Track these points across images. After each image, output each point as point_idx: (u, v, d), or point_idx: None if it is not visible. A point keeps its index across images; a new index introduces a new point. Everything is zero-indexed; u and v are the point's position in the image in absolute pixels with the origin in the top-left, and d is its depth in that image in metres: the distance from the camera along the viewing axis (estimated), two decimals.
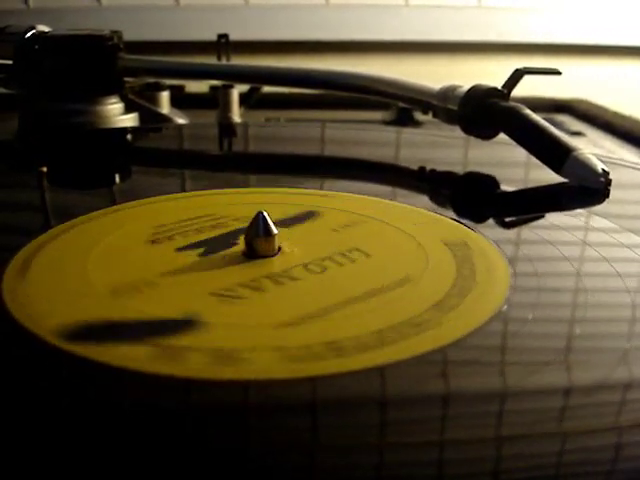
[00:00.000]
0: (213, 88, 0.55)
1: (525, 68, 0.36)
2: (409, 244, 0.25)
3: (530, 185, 0.36)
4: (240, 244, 0.24)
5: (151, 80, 0.50)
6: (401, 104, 0.45)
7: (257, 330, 0.19)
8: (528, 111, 0.35)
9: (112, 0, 0.77)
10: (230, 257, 0.23)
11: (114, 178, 0.36)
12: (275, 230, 0.23)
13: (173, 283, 0.22)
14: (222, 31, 0.53)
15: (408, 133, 0.49)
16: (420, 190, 0.34)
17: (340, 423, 0.16)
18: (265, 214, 0.23)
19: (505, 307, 0.21)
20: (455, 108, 0.37)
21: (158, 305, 0.20)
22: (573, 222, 0.29)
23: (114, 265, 0.23)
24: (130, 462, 0.14)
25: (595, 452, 0.15)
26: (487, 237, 0.26)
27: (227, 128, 0.50)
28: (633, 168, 0.37)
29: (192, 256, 0.24)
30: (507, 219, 0.30)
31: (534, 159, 0.34)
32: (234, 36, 0.53)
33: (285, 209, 0.28)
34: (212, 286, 0.21)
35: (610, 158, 0.37)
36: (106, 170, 0.37)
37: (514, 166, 0.37)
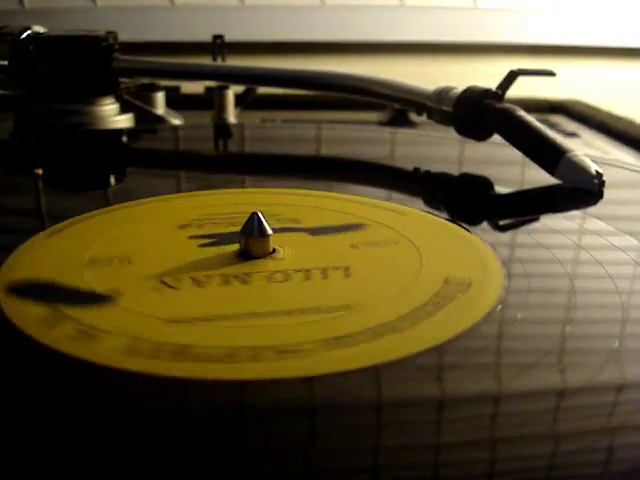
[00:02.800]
0: (208, 89, 0.55)
1: (519, 69, 0.36)
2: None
3: (525, 186, 0.36)
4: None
5: (146, 81, 0.50)
6: (396, 105, 0.45)
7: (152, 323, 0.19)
8: (522, 112, 0.35)
9: (107, 1, 0.77)
10: (225, 254, 0.23)
11: (109, 179, 0.36)
12: (269, 231, 0.23)
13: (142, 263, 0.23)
14: (217, 32, 0.53)
15: (403, 134, 0.49)
16: (415, 191, 0.34)
17: (326, 425, 0.16)
18: (260, 214, 0.23)
19: (498, 308, 0.21)
20: (449, 109, 0.37)
21: (100, 279, 0.22)
22: (567, 223, 0.29)
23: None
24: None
25: (587, 453, 0.15)
26: (481, 238, 0.26)
27: (222, 129, 0.50)
28: (627, 169, 0.37)
29: (193, 246, 0.24)
30: (501, 221, 0.31)
31: (529, 160, 0.34)
32: (229, 37, 0.53)
33: (333, 217, 0.28)
34: (168, 274, 0.22)
35: (604, 159, 0.37)
36: (101, 171, 0.37)
37: (509, 167, 0.38)
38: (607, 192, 0.32)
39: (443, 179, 0.36)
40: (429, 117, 0.39)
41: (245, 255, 0.23)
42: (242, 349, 0.18)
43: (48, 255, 0.24)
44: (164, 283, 0.21)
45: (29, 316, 0.19)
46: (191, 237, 0.25)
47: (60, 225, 0.26)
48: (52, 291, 0.21)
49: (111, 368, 0.17)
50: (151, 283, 0.21)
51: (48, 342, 0.18)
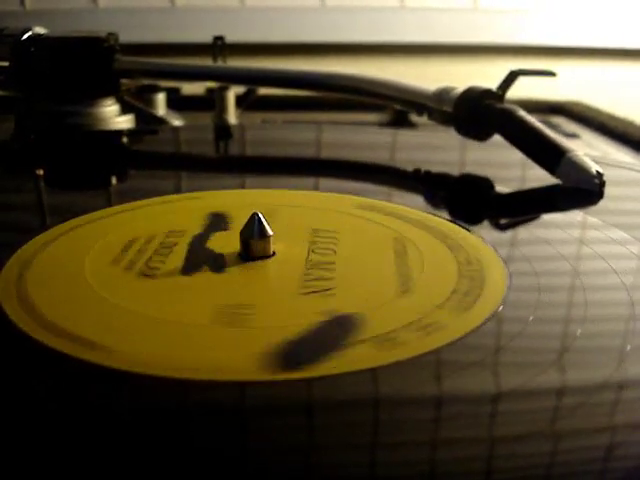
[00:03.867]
0: (209, 90, 0.55)
1: (520, 70, 0.36)
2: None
3: (525, 187, 0.36)
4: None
5: (147, 82, 0.50)
6: (396, 106, 0.45)
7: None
8: (522, 113, 0.35)
9: (108, 2, 0.77)
10: (225, 256, 0.23)
11: (110, 179, 0.36)
12: (270, 232, 0.23)
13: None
14: (218, 33, 0.53)
15: (404, 135, 0.49)
16: (416, 191, 0.34)
17: (335, 424, 0.16)
18: (260, 215, 0.23)
19: (502, 307, 0.21)
20: (450, 110, 0.37)
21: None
22: (568, 223, 0.29)
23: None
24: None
25: (590, 452, 0.15)
26: (483, 238, 0.26)
27: (223, 130, 0.50)
28: (627, 169, 0.37)
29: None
30: (503, 221, 0.31)
31: (529, 160, 0.34)
32: (230, 38, 0.53)
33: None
34: None
35: (604, 159, 0.37)
36: (102, 171, 0.37)
37: (509, 167, 0.38)
38: (607, 192, 0.32)
39: (444, 179, 0.36)
40: (429, 118, 0.39)
41: (246, 256, 0.23)
42: None
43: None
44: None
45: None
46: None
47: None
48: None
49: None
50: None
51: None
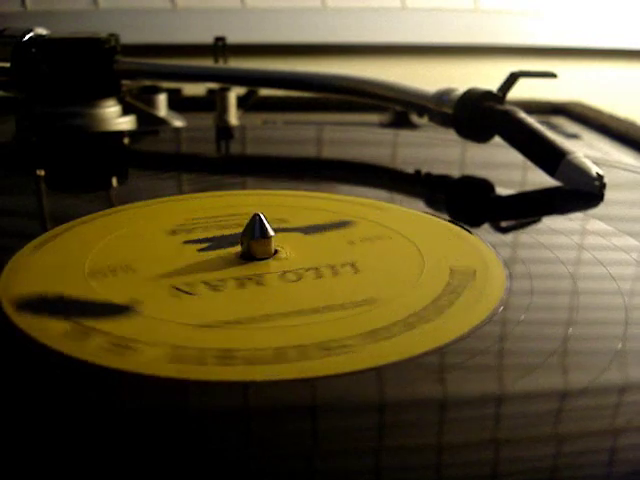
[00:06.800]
0: (210, 91, 0.55)
1: (521, 71, 0.37)
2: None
3: (526, 189, 0.36)
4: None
5: (148, 83, 0.50)
6: (397, 107, 0.45)
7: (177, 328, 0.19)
8: (523, 114, 0.35)
9: (109, 3, 0.77)
10: (226, 257, 0.23)
11: (111, 181, 0.36)
12: (272, 232, 0.23)
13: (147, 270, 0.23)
14: (219, 34, 0.53)
15: (404, 136, 0.50)
16: (416, 193, 0.34)
17: (332, 426, 0.16)
18: (262, 216, 0.23)
19: (500, 309, 0.21)
20: (450, 111, 0.37)
21: (112, 289, 0.21)
22: (568, 225, 0.29)
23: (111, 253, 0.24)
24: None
25: (590, 455, 0.15)
26: (483, 240, 0.26)
27: (224, 131, 0.50)
28: (628, 170, 0.37)
29: (192, 250, 0.24)
30: (503, 223, 0.31)
31: (530, 162, 0.34)
32: (231, 39, 0.53)
33: (322, 215, 0.28)
34: (178, 280, 0.22)
35: (605, 160, 0.37)
36: (104, 173, 0.37)
37: (509, 169, 0.38)
38: (608, 193, 0.32)
39: (444, 181, 0.36)
40: (430, 119, 0.39)
41: (247, 257, 0.23)
42: (287, 349, 0.18)
43: (48, 263, 0.23)
44: (179, 289, 0.21)
45: (52, 332, 0.19)
46: (186, 242, 0.25)
47: (56, 230, 0.26)
48: (64, 304, 0.20)
49: (158, 377, 0.17)
50: (165, 290, 0.21)
51: (84, 357, 0.17)
